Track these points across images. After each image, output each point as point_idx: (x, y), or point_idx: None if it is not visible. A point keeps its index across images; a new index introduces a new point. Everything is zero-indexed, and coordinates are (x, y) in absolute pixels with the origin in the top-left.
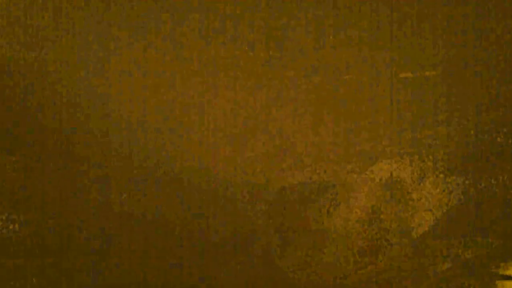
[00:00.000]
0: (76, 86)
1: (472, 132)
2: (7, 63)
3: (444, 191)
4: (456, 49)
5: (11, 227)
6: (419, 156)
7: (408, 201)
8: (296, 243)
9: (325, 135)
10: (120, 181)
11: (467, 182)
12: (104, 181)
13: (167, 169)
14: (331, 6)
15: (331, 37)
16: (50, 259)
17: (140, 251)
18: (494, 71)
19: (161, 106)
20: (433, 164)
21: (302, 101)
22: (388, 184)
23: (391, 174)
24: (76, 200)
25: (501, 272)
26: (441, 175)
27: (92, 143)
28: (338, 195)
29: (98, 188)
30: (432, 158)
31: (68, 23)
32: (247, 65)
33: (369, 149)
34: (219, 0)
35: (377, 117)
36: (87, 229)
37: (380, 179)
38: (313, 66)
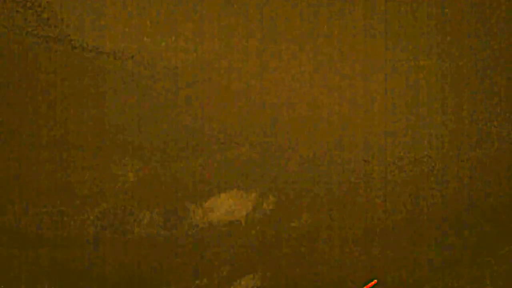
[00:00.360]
0: (68, 77)
1: (467, 121)
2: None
3: (437, 180)
4: (451, 38)
5: (6, 217)
6: (413, 144)
7: (400, 194)
8: (290, 232)
9: (320, 125)
10: (114, 170)
11: (461, 172)
12: (98, 170)
13: (160, 158)
14: None
15: (325, 27)
16: (45, 249)
17: (134, 241)
18: (489, 60)
19: (157, 96)
20: (428, 153)
21: (296, 90)
22: (383, 174)
23: (386, 168)
24: (71, 190)
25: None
26: (437, 165)
27: (86, 132)
28: (333, 185)
29: (92, 177)
30: (427, 147)
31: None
32: (242, 55)
33: (363, 139)
34: None
35: (371, 106)
36: (82, 220)
37: (375, 170)
38: (308, 55)
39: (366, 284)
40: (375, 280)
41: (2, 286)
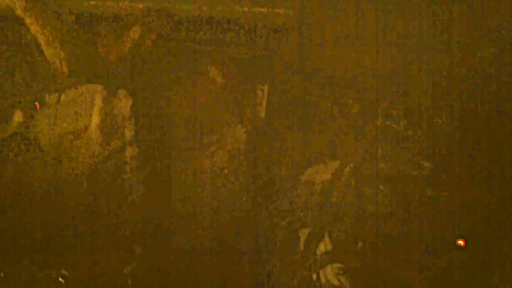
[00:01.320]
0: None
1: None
2: None
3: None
4: (443, 51)
5: None
6: (403, 166)
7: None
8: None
9: (312, 136)
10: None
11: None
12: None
13: (154, 165)
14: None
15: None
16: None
17: (128, 246)
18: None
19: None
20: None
21: (288, 102)
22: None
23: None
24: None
25: None
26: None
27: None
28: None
29: (86, 188)
30: (415, 176)
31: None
32: (234, 63)
33: (355, 147)
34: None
35: (364, 115)
36: (74, 227)
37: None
38: (300, 64)
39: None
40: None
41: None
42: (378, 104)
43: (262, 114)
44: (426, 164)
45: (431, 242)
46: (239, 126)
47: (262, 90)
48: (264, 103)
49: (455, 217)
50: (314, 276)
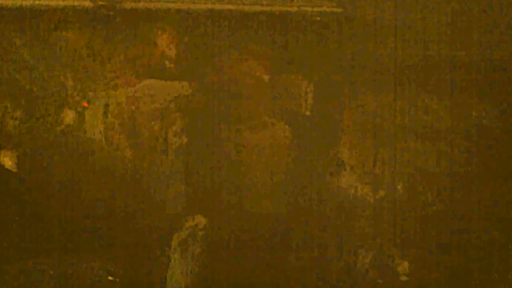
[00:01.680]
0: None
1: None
2: None
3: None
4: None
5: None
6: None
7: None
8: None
9: (331, 134)
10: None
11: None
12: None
13: (180, 164)
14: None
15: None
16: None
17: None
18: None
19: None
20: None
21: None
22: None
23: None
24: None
25: None
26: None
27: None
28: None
29: (103, 184)
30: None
31: None
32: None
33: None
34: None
35: (382, 113)
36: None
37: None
38: (318, 62)
39: None
40: None
41: None
42: (396, 102)
43: (302, 112)
44: (445, 162)
45: (448, 240)
46: (261, 126)
47: (305, 87)
48: (308, 100)
49: (471, 215)
50: (333, 274)
